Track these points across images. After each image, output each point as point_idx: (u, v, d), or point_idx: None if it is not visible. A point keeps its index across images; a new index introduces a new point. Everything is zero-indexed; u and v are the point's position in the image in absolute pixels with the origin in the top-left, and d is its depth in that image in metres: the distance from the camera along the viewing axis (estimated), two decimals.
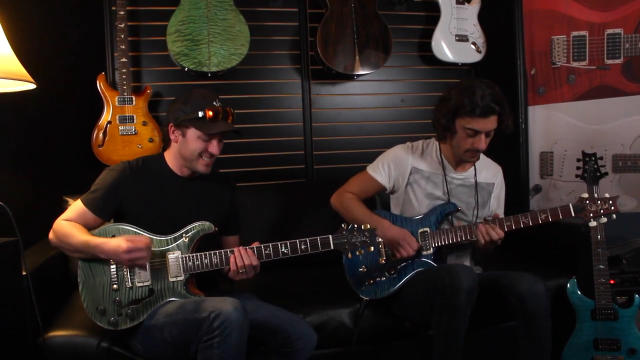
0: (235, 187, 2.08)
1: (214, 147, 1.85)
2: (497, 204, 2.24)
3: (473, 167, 2.19)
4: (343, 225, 1.84)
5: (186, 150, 1.86)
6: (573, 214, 1.99)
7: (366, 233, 1.83)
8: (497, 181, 2.24)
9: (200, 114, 1.81)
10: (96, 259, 1.77)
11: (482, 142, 2.01)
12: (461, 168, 2.18)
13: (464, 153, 2.07)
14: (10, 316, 1.74)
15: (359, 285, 2.11)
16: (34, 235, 1.87)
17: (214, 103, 1.83)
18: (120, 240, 1.72)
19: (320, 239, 1.81)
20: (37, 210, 1.90)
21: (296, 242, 1.80)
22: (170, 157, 1.93)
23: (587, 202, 2.01)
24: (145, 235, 1.78)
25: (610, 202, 2.00)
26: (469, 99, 1.96)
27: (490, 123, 1.99)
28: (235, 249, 1.79)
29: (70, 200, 2.27)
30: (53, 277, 2.20)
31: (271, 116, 3.01)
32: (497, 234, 1.98)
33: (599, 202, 2.00)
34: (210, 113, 1.81)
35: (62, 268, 2.29)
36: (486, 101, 1.95)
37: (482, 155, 2.22)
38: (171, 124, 1.87)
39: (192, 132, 1.83)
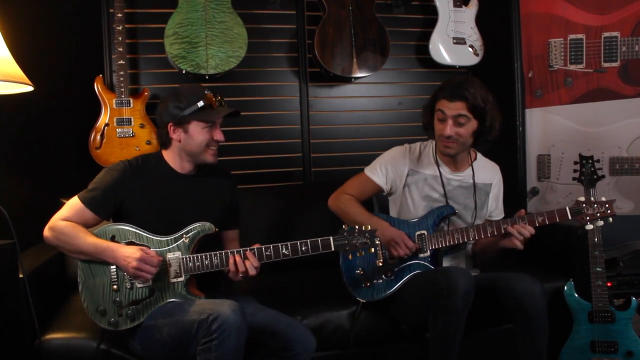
0: (232, 177, 2.08)
1: (218, 134, 1.87)
2: (495, 204, 2.24)
3: (471, 167, 2.19)
4: (344, 226, 1.84)
5: (192, 145, 1.85)
6: (570, 217, 1.99)
7: (367, 234, 1.82)
8: (494, 181, 2.24)
9: (201, 103, 1.81)
10: (97, 259, 1.77)
11: (447, 128, 2.01)
12: (457, 168, 2.18)
13: (439, 141, 2.09)
14: (6, 319, 1.74)
15: (355, 287, 2.11)
16: (31, 238, 1.87)
17: (206, 92, 1.85)
18: (135, 249, 1.72)
19: (321, 240, 1.80)
20: (34, 212, 1.89)
21: (297, 243, 1.80)
22: (170, 156, 1.92)
23: (584, 205, 2.01)
24: (154, 252, 1.76)
25: (607, 205, 2.00)
26: (444, 84, 2.04)
27: (456, 108, 1.99)
28: (236, 252, 1.79)
29: None
30: (50, 279, 2.19)
31: (269, 118, 3.01)
32: (528, 231, 1.96)
33: (595, 205, 2.00)
34: (210, 101, 1.83)
35: (59, 270, 2.29)
36: (454, 84, 1.99)
37: (479, 155, 2.23)
38: (170, 123, 1.85)
39: (195, 125, 1.84)
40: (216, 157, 1.90)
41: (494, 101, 2.04)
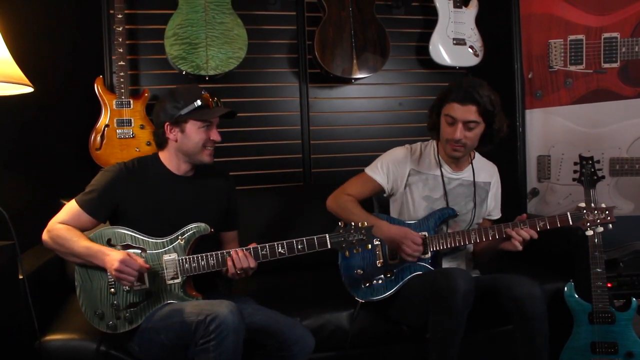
0: (230, 178, 2.08)
1: (215, 134, 1.88)
2: (494, 202, 2.25)
3: (471, 166, 2.19)
4: (340, 224, 1.84)
5: (189, 144, 1.86)
6: (571, 223, 2.00)
7: (363, 231, 1.82)
8: (493, 180, 2.25)
9: (198, 102, 1.82)
10: (90, 263, 1.76)
11: (458, 132, 2.01)
12: (458, 168, 2.18)
13: (446, 145, 2.08)
14: (6, 320, 1.74)
15: (354, 287, 2.10)
16: (31, 239, 1.87)
17: (203, 92, 1.85)
18: (120, 253, 1.71)
19: (317, 238, 1.80)
20: (34, 213, 1.89)
21: (293, 241, 1.80)
22: (167, 157, 1.92)
23: (585, 211, 2.01)
24: (142, 260, 1.74)
25: (607, 212, 2.00)
26: (453, 86, 2.02)
27: (467, 112, 1.98)
28: (232, 252, 1.79)
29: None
30: (50, 280, 2.19)
31: (269, 119, 3.01)
32: (529, 233, 1.95)
33: (595, 211, 2.00)
34: (207, 101, 1.84)
35: (59, 271, 2.29)
36: (465, 88, 1.98)
37: (477, 155, 2.24)
38: (167, 123, 1.86)
39: (192, 125, 1.84)
40: (212, 158, 1.91)
41: (500, 104, 2.03)
